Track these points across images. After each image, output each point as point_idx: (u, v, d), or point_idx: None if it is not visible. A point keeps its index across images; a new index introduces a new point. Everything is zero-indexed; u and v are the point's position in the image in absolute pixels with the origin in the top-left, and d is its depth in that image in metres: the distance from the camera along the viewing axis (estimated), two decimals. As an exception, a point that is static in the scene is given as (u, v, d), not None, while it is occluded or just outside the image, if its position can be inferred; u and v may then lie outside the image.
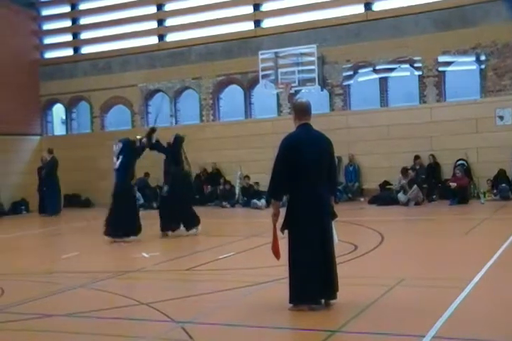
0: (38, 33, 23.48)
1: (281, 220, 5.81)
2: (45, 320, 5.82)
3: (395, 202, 16.28)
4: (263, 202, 16.59)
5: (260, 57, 18.64)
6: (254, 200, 17.48)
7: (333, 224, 5.87)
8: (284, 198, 6.03)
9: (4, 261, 10.36)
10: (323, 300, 5.68)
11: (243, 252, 9.54)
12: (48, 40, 23.78)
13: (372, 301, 5.83)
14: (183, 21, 21.27)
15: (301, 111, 5.90)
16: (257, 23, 20.18)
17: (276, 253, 5.88)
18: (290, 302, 5.63)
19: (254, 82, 19.73)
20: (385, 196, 16.93)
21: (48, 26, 23.76)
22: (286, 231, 5.80)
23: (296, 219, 5.68)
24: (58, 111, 23.70)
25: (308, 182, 5.67)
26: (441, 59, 17.61)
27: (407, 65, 18.25)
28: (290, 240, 5.74)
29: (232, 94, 20.62)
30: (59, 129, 23.84)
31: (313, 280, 5.56)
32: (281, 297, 5.83)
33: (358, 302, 5.77)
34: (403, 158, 17.36)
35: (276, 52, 18.58)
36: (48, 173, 18.69)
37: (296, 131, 5.88)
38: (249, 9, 20.36)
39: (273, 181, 5.80)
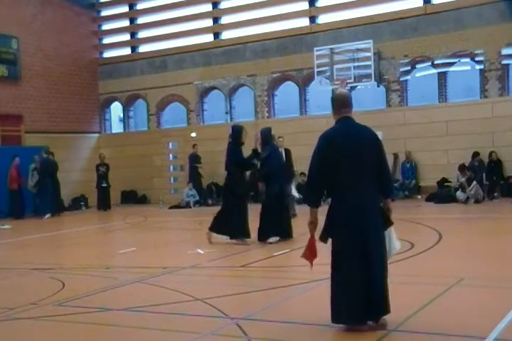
0: (98, 33, 24.02)
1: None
2: (103, 314, 5.93)
3: (453, 199, 15.91)
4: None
5: (315, 53, 18.51)
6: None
7: (391, 230, 5.15)
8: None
9: (64, 255, 10.66)
10: (369, 322, 4.92)
11: (299, 249, 9.46)
12: (107, 40, 24.31)
13: (429, 300, 5.69)
14: (238, 19, 21.36)
15: (340, 102, 5.15)
16: (312, 19, 20.06)
17: (308, 259, 5.22)
18: (332, 322, 4.97)
19: (310, 79, 19.63)
20: (443, 193, 16.56)
21: (106, 26, 24.29)
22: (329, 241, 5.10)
23: (336, 227, 4.96)
24: (116, 109, 24.21)
25: (349, 184, 4.91)
26: (505, 51, 17.06)
27: (467, 59, 17.79)
28: (332, 251, 5.01)
29: (287, 91, 20.57)
30: (116, 127, 24.35)
31: (354, 299, 4.83)
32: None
33: (415, 302, 5.63)
34: (462, 155, 16.93)
35: (331, 49, 18.42)
36: (43, 174, 18.17)
37: (334, 127, 5.13)
38: (304, 5, 20.26)
39: (308, 185, 5.13)
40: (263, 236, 10.23)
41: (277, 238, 10.18)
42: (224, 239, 10.28)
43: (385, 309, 4.88)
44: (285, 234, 10.29)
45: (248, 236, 10.25)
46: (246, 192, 11.23)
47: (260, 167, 10.88)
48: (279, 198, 10.38)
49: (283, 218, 10.32)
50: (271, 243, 10.07)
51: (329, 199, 5.17)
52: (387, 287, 4.93)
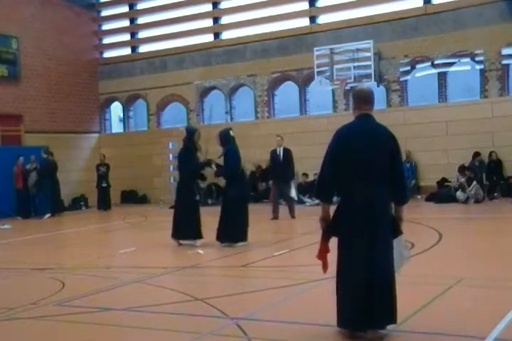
0: (98, 33, 24.03)
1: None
2: (103, 314, 5.92)
3: (453, 199, 15.91)
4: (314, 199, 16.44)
5: (315, 53, 18.53)
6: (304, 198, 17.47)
7: (400, 239, 4.96)
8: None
9: (64, 255, 10.66)
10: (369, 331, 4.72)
11: (298, 249, 9.49)
12: (107, 40, 24.32)
13: (429, 300, 5.69)
14: (239, 19, 21.36)
15: (361, 98, 5.02)
16: (313, 19, 20.06)
17: (323, 263, 5.01)
18: (337, 326, 4.82)
19: (310, 79, 19.63)
20: (443, 193, 16.57)
21: (106, 26, 24.30)
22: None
23: (341, 226, 4.81)
24: (116, 109, 24.21)
25: (360, 183, 4.72)
26: (506, 51, 17.06)
27: (467, 59, 17.79)
28: (337, 251, 4.83)
29: (287, 91, 20.56)
30: (116, 127, 24.35)
31: (355, 304, 4.64)
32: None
33: (415, 302, 5.63)
34: (462, 155, 16.94)
35: (331, 49, 18.44)
36: (43, 175, 18.10)
37: (350, 123, 4.94)
38: (304, 5, 20.26)
39: (320, 180, 4.93)
40: (225, 238, 10.00)
41: (245, 243, 9.99)
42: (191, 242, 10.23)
43: (389, 318, 4.68)
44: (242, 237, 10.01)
45: (200, 236, 10.19)
46: (195, 198, 10.58)
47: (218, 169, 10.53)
48: (239, 201, 10.01)
49: (244, 221, 10.02)
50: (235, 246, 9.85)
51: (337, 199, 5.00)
52: (394, 294, 4.74)
